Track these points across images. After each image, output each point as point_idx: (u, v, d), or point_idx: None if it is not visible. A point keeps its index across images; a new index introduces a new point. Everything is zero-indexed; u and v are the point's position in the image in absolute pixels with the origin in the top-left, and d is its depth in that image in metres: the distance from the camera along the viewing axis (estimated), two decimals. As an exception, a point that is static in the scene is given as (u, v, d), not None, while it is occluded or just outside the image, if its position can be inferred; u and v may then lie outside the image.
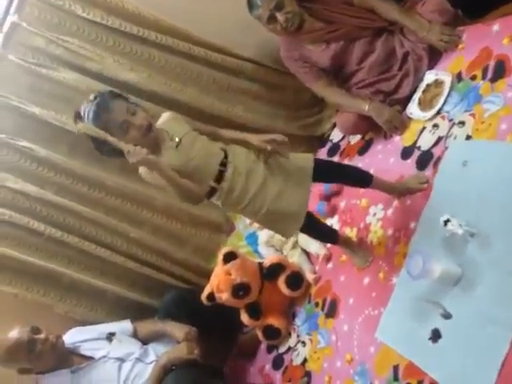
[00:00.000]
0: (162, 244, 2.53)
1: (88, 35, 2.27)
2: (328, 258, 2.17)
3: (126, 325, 2.30)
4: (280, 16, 2.10)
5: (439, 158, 1.82)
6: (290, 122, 2.62)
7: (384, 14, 2.11)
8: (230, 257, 2.15)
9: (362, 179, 1.86)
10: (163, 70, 2.38)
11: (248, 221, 2.46)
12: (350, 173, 1.86)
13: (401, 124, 2.05)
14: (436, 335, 1.52)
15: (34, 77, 2.25)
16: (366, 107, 2.08)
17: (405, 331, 1.64)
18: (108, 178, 2.38)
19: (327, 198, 2.33)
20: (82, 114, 1.54)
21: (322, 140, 2.65)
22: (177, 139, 1.58)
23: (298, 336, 2.13)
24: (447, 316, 1.51)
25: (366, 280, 1.89)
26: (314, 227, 1.85)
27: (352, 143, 2.39)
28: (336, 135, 2.56)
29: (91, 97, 1.54)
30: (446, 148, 1.81)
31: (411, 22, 2.04)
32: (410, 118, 2.07)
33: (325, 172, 1.77)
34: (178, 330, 2.17)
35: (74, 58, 2.27)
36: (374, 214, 2.02)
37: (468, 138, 1.73)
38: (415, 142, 1.98)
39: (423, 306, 1.59)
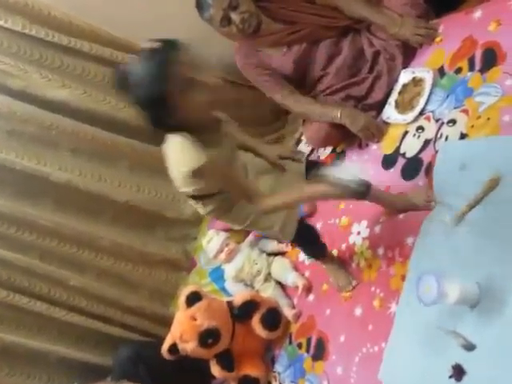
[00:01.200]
0: (111, 291, 2.25)
1: (8, 47, 1.99)
2: (308, 289, 1.94)
3: None
4: (235, 16, 1.88)
5: (430, 164, 1.63)
6: (250, 140, 2.38)
7: (349, 11, 1.93)
8: (194, 298, 1.90)
9: None
10: (101, 86, 2.13)
11: (211, 254, 2.17)
12: None
13: (378, 130, 1.86)
14: (459, 372, 1.28)
15: None
16: (339, 114, 1.87)
17: (417, 370, 1.40)
18: (40, 216, 2.06)
19: (301, 220, 2.09)
20: None
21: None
22: None
23: (280, 385, 1.88)
24: (469, 347, 1.28)
25: (358, 311, 1.67)
26: (309, 234, 1.72)
27: (322, 158, 2.19)
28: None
29: None
30: (437, 151, 1.61)
31: (381, 18, 1.87)
32: (387, 123, 1.87)
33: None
34: None
35: (-7, 75, 1.97)
36: (358, 233, 1.82)
37: (463, 136, 1.56)
38: (397, 149, 1.80)
39: (436, 336, 1.35)
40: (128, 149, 2.13)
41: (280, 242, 2.12)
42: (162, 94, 1.16)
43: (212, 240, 2.17)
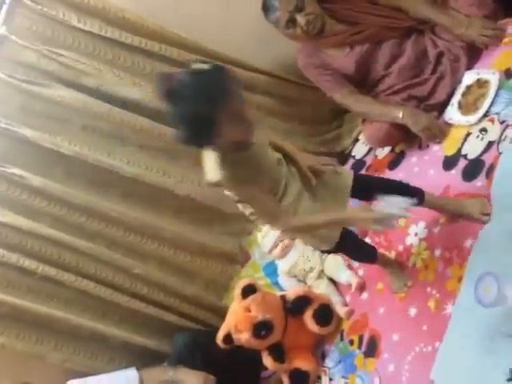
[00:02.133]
0: (170, 280, 2.30)
1: (84, 48, 2.09)
2: (361, 288, 1.94)
3: (131, 373, 2.06)
4: (301, 18, 1.92)
5: (492, 166, 1.61)
6: (309, 138, 2.43)
7: (413, 12, 1.93)
8: (249, 290, 1.93)
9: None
10: None
11: (265, 249, 2.22)
12: (396, 189, 1.60)
13: (440, 131, 1.84)
14: None
15: (25, 95, 2.05)
16: (400, 114, 1.86)
17: (471, 371, 1.39)
18: (109, 207, 2.15)
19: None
20: None
21: (343, 156, 2.43)
22: None
23: (330, 380, 1.90)
24: (529, 352, 1.25)
25: (413, 311, 1.67)
26: (352, 242, 1.66)
27: (380, 157, 2.19)
28: (359, 151, 2.35)
29: None
30: (500, 153, 1.59)
31: (446, 19, 1.86)
32: (449, 124, 1.85)
33: (365, 188, 1.57)
34: (192, 378, 1.98)
35: (69, 74, 2.08)
36: (416, 234, 1.81)
37: None
38: (459, 150, 1.78)
39: (493, 338, 1.34)
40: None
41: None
42: (212, 117, 1.18)
43: (267, 235, 2.20)
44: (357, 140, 2.37)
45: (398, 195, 1.41)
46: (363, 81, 2.08)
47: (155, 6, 2.12)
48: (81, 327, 2.16)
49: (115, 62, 2.11)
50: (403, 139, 2.01)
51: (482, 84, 1.77)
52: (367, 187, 1.57)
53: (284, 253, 2.17)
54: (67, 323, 2.15)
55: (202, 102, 1.16)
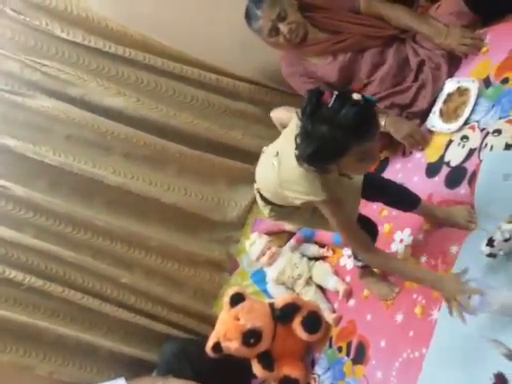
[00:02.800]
0: (158, 289, 2.31)
1: (68, 57, 2.09)
2: (348, 294, 1.94)
3: None
4: (283, 27, 1.93)
5: (474, 173, 1.62)
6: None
7: (395, 21, 1.95)
8: (238, 299, 1.94)
9: (409, 200, 1.65)
10: (153, 94, 2.21)
11: (253, 256, 2.23)
12: (397, 191, 1.65)
13: (422, 138, 1.86)
14: (501, 380, 1.27)
15: (8, 105, 2.04)
16: (383, 122, 1.88)
17: (457, 377, 1.39)
18: (94, 216, 2.15)
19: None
20: None
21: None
22: None
23: (319, 387, 1.89)
24: (512, 357, 1.26)
25: (399, 317, 1.67)
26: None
27: (365, 164, 2.18)
28: (345, 157, 2.35)
29: None
30: (481, 161, 1.61)
31: (427, 28, 1.88)
32: (431, 132, 1.87)
33: (375, 186, 1.59)
34: None
35: (53, 84, 2.08)
36: (401, 241, 1.81)
37: (508, 147, 1.55)
38: (442, 157, 1.79)
39: (477, 344, 1.35)
40: (177, 154, 2.21)
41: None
42: (346, 146, 1.17)
43: (255, 243, 2.21)
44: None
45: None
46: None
47: (139, 15, 2.12)
48: (68, 338, 2.15)
49: (99, 72, 2.11)
50: (386, 146, 2.03)
51: (462, 92, 1.79)
52: (376, 185, 1.60)
53: (272, 260, 2.17)
54: (55, 334, 2.13)
55: (345, 130, 1.15)
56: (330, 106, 1.15)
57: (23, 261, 2.07)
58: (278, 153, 1.38)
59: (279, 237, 2.31)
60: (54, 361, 2.15)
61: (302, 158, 1.23)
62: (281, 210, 1.56)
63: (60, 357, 2.17)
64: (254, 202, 2.44)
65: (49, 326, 2.11)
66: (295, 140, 1.22)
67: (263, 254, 2.18)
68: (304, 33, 1.98)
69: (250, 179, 1.63)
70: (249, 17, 1.97)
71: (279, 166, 1.36)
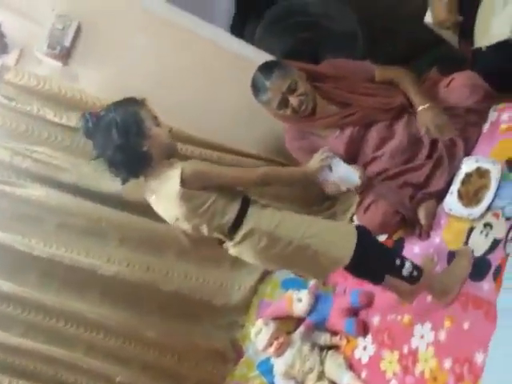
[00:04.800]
0: None
1: (61, 142, 2.01)
2: None
3: None
4: (293, 99, 1.83)
5: (500, 268, 1.46)
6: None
7: (401, 85, 1.87)
8: None
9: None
10: None
11: (260, 346, 2.05)
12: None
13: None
14: None
15: (-4, 196, 1.96)
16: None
17: None
18: (87, 310, 2.01)
19: (355, 311, 1.96)
20: None
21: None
22: None
23: None
24: None
25: None
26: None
27: (378, 243, 2.03)
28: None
29: None
30: (508, 255, 1.45)
31: (417, 98, 1.80)
32: (450, 216, 1.72)
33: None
34: None
35: (45, 170, 1.99)
36: (422, 337, 1.64)
37: None
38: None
39: None
40: (176, 237, 2.08)
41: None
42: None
43: (261, 332, 2.03)
44: (352, 221, 2.24)
45: None
46: (353, 161, 1.97)
47: (136, 95, 2.03)
48: None
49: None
50: (400, 227, 1.89)
51: (482, 173, 1.65)
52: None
53: (280, 351, 2.00)
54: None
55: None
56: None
57: (10, 362, 1.93)
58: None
59: (287, 322, 2.14)
60: None
61: (127, 170, 1.46)
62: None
63: None
64: (259, 282, 2.30)
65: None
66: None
67: (270, 345, 2.01)
68: (313, 105, 1.88)
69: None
70: (257, 88, 1.86)
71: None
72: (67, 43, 1.93)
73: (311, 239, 1.46)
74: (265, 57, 2.12)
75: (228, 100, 2.11)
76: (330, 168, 1.66)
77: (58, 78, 1.95)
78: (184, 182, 1.40)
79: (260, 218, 1.47)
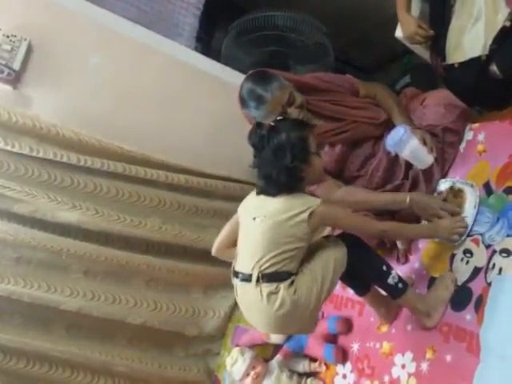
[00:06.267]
0: None
1: (14, 171, 1.86)
2: None
3: None
4: (291, 111, 1.72)
5: (481, 298, 1.40)
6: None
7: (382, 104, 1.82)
8: None
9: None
10: (114, 202, 1.98)
11: (236, 377, 1.97)
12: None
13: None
14: None
15: None
16: (407, 199, 1.60)
17: None
18: (51, 348, 1.89)
19: (334, 337, 1.89)
20: None
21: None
22: None
23: None
24: None
25: None
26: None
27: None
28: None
29: None
30: (489, 284, 1.39)
31: (400, 119, 1.73)
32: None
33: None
34: None
35: (-2, 202, 1.84)
36: (403, 366, 1.58)
37: None
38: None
39: None
40: (144, 266, 1.97)
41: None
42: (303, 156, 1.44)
43: (237, 362, 1.95)
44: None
45: None
46: (339, 178, 1.90)
47: (94, 120, 1.90)
48: None
49: (50, 184, 1.88)
50: (377, 250, 1.81)
51: (456, 193, 1.59)
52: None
53: (257, 381, 1.93)
54: None
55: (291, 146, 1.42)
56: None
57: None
58: (254, 218, 1.40)
59: (264, 348, 2.07)
60: None
61: (280, 189, 1.38)
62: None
63: None
64: (234, 308, 2.20)
65: None
66: (262, 188, 1.41)
67: (247, 375, 1.93)
68: (307, 118, 1.77)
69: (229, 283, 1.45)
70: (251, 100, 1.71)
71: (265, 217, 1.38)
72: (17, 66, 1.78)
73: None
74: (230, 73, 2.02)
75: (194, 118, 2.00)
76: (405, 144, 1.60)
77: (8, 104, 1.80)
78: (311, 217, 1.37)
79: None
